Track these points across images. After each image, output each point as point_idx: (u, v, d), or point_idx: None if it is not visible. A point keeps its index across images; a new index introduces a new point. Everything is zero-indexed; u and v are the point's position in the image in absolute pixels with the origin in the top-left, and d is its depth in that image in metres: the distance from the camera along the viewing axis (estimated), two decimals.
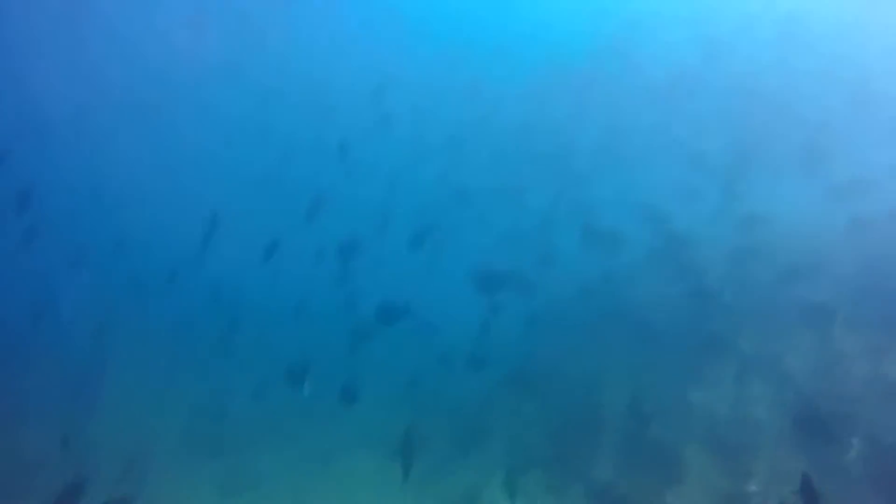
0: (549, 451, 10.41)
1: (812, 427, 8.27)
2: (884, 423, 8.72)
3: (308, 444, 11.66)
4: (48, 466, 10.38)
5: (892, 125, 16.40)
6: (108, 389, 11.11)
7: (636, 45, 22.39)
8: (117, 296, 14.66)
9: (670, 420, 10.03)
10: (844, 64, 20.90)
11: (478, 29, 36.15)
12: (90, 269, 14.51)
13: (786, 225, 15.30)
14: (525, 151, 20.47)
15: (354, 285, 13.63)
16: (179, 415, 12.91)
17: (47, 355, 14.64)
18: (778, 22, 22.47)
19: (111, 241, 13.47)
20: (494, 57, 27.04)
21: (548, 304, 14.87)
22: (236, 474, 11.30)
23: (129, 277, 14.10)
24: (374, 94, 14.59)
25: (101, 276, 15.47)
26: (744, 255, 13.92)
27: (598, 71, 21.93)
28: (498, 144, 20.91)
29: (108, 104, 18.90)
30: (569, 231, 15.60)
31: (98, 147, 21.84)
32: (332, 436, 11.71)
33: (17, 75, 20.51)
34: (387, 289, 11.58)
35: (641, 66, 21.52)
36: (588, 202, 16.87)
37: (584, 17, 27.63)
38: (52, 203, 18.86)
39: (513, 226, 18.51)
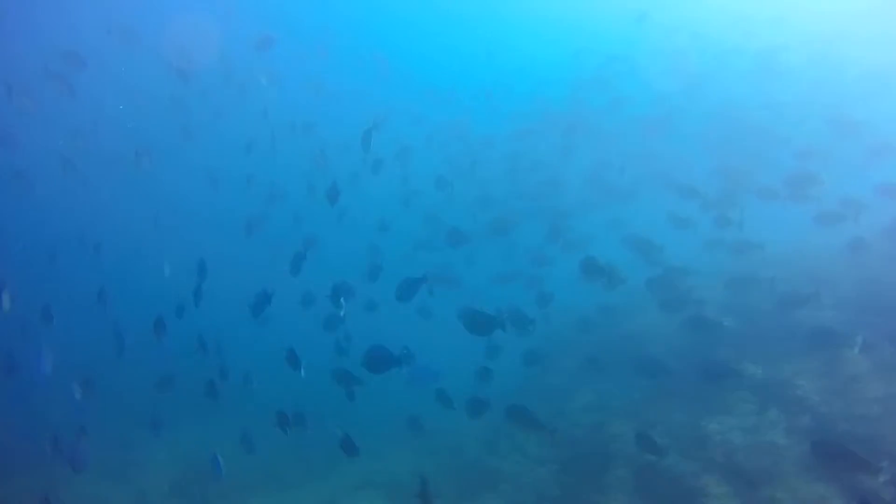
0: (559, 487, 9.93)
1: (834, 450, 7.87)
2: None
3: (309, 491, 11.05)
4: None
5: (872, 147, 16.62)
6: (92, 444, 10.48)
7: (619, 80, 22.82)
8: (100, 347, 14.12)
9: (685, 450, 9.63)
10: (822, 91, 21.45)
11: (463, 69, 37.07)
12: (70, 320, 13.99)
13: (781, 250, 15.24)
14: (514, 188, 20.50)
15: (347, 330, 13.23)
16: (168, 468, 12.26)
17: (25, 410, 13.96)
18: (755, 54, 23.13)
19: (92, 290, 12.97)
20: (480, 96, 27.46)
21: (547, 340, 14.55)
22: None
23: (111, 328, 13.57)
24: (363, 137, 14.44)
25: (83, 327, 14.94)
26: (742, 281, 13.74)
27: (582, 106, 22.24)
28: (487, 182, 20.94)
29: (89, 152, 18.63)
30: (563, 265, 15.41)
31: (79, 196, 21.54)
32: (332, 482, 11.10)
33: None
34: (381, 332, 11.19)
35: (625, 100, 21.88)
36: (580, 236, 16.74)
37: (567, 55, 28.26)
38: (27, 251, 18.46)
39: (506, 263, 18.35)
